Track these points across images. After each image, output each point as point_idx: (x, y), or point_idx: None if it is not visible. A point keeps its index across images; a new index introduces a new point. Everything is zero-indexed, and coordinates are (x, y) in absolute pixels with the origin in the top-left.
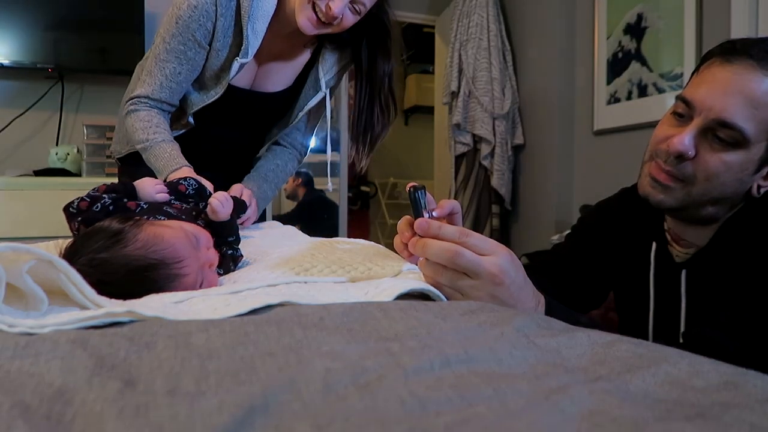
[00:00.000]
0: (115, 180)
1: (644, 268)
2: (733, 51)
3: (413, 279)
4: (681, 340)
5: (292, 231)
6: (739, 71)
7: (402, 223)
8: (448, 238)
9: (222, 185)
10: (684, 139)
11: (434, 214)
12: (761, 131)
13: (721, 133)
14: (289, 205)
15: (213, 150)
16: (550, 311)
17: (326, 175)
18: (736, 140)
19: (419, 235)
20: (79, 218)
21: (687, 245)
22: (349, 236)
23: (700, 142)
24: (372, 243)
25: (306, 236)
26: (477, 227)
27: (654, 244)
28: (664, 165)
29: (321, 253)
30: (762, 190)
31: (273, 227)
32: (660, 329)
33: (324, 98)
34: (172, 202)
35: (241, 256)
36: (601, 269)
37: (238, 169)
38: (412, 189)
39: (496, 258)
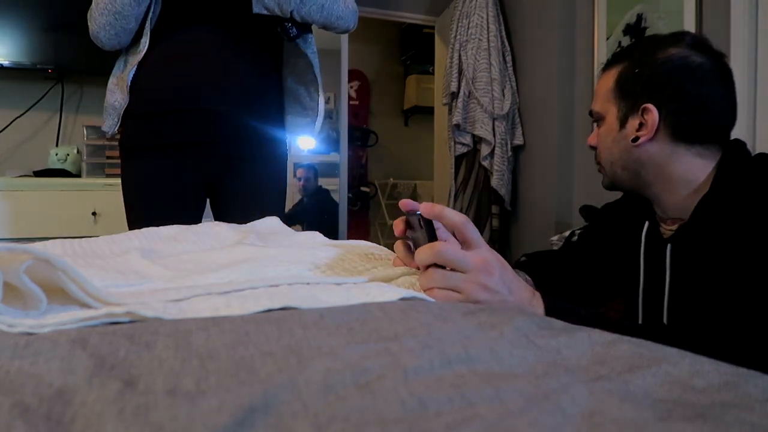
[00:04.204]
0: (115, 181)
1: (637, 247)
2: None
3: (415, 286)
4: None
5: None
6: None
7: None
8: (451, 219)
9: (240, 121)
10: (589, 137)
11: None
12: (602, 104)
13: (594, 120)
14: (288, 205)
15: (210, 70)
16: (549, 304)
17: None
18: (597, 118)
19: (424, 220)
20: None
21: (672, 223)
22: (348, 237)
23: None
24: (373, 244)
25: (325, 239)
26: (477, 227)
27: (646, 224)
28: (595, 161)
29: (324, 254)
30: (642, 140)
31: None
32: (648, 302)
33: None
34: None
35: None
36: (608, 265)
37: (246, 86)
38: (418, 216)
39: (480, 251)
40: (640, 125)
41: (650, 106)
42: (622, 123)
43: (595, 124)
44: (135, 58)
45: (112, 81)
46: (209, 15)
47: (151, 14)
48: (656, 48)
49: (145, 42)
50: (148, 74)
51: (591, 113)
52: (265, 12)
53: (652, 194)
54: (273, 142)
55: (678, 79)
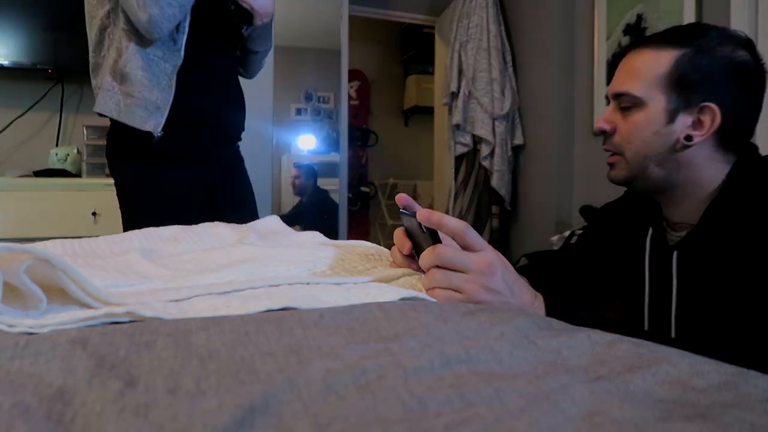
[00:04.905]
0: (113, 181)
1: (641, 254)
2: (624, 52)
3: (416, 287)
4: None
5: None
6: (626, 58)
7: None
8: (450, 227)
9: (236, 122)
10: (600, 120)
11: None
12: (647, 88)
13: (621, 103)
14: (288, 205)
15: (219, 81)
16: (550, 307)
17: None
18: (632, 103)
19: (428, 228)
20: None
21: (680, 228)
22: (348, 237)
23: (616, 118)
24: (373, 245)
25: (326, 239)
26: (477, 228)
27: (650, 230)
28: (604, 147)
29: (324, 254)
30: (696, 139)
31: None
32: (654, 311)
33: None
34: None
35: None
36: (608, 268)
37: (240, 97)
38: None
39: (483, 252)
40: (693, 124)
41: (713, 106)
42: (672, 117)
43: (622, 108)
44: (176, 59)
45: (141, 74)
46: (214, 26)
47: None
48: (723, 43)
49: (183, 41)
50: (185, 81)
51: (619, 94)
52: (245, 34)
53: (671, 197)
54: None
55: (745, 85)
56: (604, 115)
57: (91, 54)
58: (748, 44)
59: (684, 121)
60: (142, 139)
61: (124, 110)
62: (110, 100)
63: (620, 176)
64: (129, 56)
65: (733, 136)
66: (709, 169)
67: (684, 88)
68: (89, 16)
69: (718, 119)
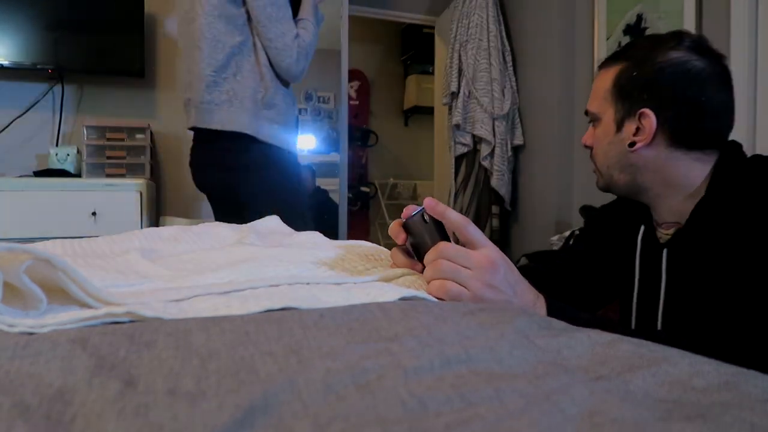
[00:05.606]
0: (115, 181)
1: (633, 252)
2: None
3: (415, 284)
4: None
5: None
6: None
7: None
8: (452, 220)
9: None
10: (584, 137)
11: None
12: (600, 105)
13: (590, 120)
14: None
15: None
16: (551, 307)
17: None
18: (594, 118)
19: (433, 220)
20: None
21: (668, 227)
22: (349, 237)
23: (592, 134)
24: (373, 245)
25: (326, 239)
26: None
27: (642, 227)
28: (590, 160)
29: (324, 254)
30: (638, 145)
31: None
32: (642, 307)
33: None
34: None
35: None
36: (604, 267)
37: None
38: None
39: (486, 249)
40: (637, 130)
41: (648, 111)
42: (619, 126)
43: (590, 124)
44: (293, 96)
45: (285, 107)
46: None
47: None
48: (656, 50)
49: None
50: None
51: (587, 113)
52: None
53: (649, 198)
54: None
55: (677, 86)
56: (587, 132)
57: (209, 72)
58: (695, 44)
59: (629, 128)
60: (275, 156)
61: (270, 133)
62: (255, 123)
63: (600, 185)
64: (276, 90)
65: (688, 137)
66: (677, 168)
67: (625, 99)
68: (213, 39)
69: (654, 123)
